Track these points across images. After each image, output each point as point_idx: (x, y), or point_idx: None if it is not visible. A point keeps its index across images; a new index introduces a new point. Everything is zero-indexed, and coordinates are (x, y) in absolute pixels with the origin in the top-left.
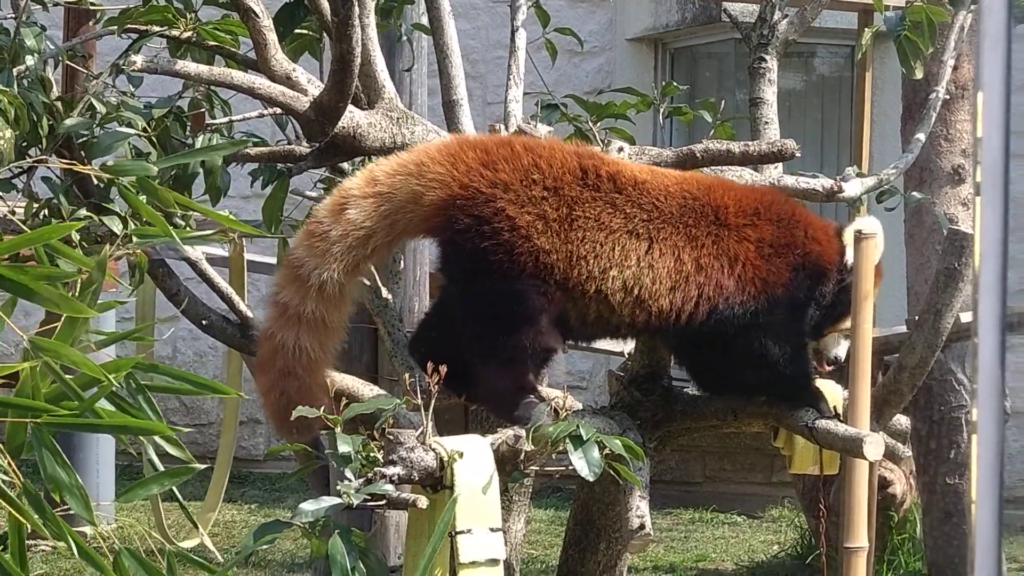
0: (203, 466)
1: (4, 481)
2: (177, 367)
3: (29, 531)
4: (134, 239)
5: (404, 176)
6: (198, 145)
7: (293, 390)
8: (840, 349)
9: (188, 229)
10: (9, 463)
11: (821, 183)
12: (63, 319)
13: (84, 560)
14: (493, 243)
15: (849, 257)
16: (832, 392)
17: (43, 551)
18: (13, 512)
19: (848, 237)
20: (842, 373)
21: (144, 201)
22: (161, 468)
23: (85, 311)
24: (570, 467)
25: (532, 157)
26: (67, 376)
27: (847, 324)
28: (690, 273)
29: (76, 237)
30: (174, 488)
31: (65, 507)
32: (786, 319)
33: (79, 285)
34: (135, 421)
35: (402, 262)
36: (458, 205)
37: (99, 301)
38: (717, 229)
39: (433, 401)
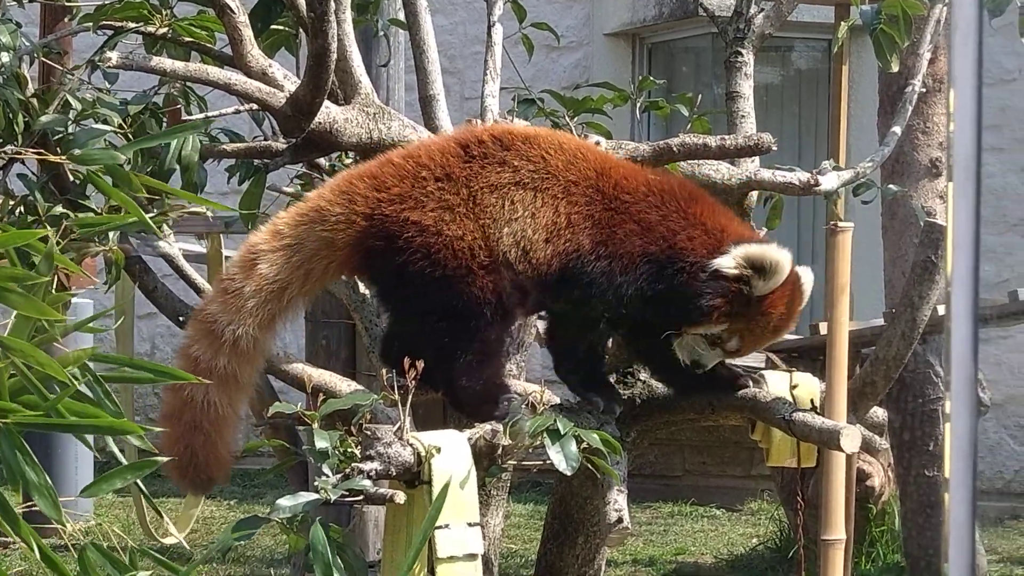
0: (167, 458)
1: None
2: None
3: None
4: (110, 234)
5: (308, 225)
6: (174, 144)
7: (199, 444)
8: (704, 357)
9: (166, 226)
10: None
11: (798, 176)
12: (14, 316)
13: (44, 563)
14: (411, 253)
15: (722, 264)
16: (809, 385)
17: (21, 548)
18: None
19: (740, 252)
20: (820, 365)
21: (117, 189)
22: (124, 462)
23: (50, 313)
24: (548, 461)
25: (413, 160)
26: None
27: (703, 330)
28: (562, 227)
29: (53, 236)
30: (140, 485)
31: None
32: (618, 299)
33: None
34: (104, 421)
35: None
36: (370, 235)
37: (75, 299)
38: (593, 192)
39: (410, 396)
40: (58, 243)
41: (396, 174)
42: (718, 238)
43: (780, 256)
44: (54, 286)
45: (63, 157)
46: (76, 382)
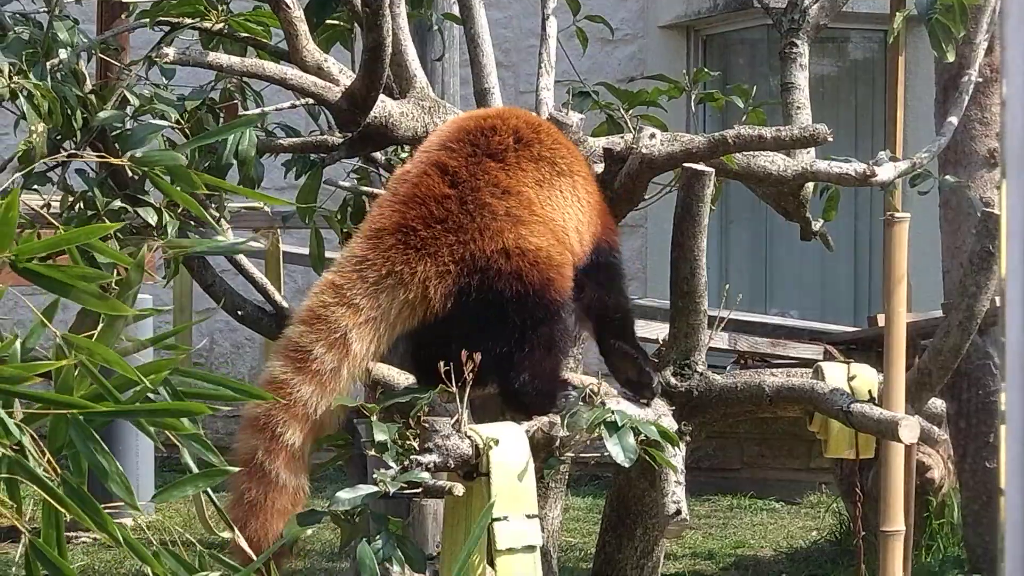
0: (237, 469)
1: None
2: (214, 359)
3: (68, 521)
4: (170, 230)
5: (388, 293)
6: (231, 139)
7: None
8: None
9: (224, 221)
10: (47, 456)
11: (854, 168)
12: (102, 320)
13: (128, 549)
14: (505, 280)
15: None
16: (867, 376)
17: (84, 543)
18: (50, 501)
19: None
20: (877, 357)
21: (176, 188)
22: (196, 470)
23: (123, 309)
24: (605, 454)
25: (465, 186)
26: (103, 378)
27: None
28: (595, 208)
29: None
30: (213, 497)
31: (110, 503)
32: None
33: (115, 283)
34: (174, 404)
35: None
36: (463, 277)
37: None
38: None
39: (468, 390)
40: (117, 239)
41: (458, 209)
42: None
43: None
44: (114, 282)
45: (125, 159)
46: (151, 387)
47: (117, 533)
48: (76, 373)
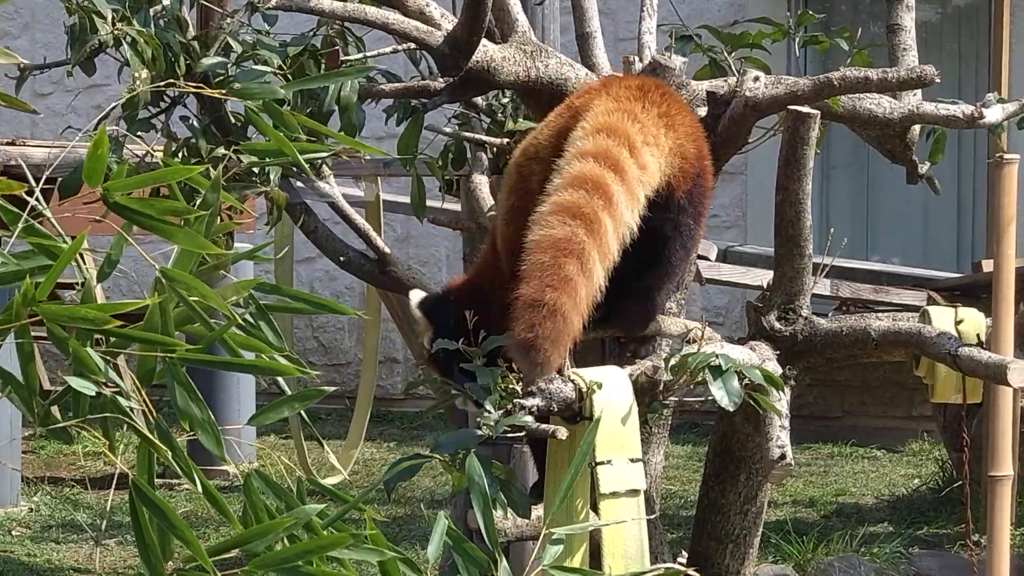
0: (332, 388)
1: (133, 410)
2: None
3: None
4: (271, 175)
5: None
6: (333, 85)
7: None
8: None
9: (326, 167)
10: (142, 396)
11: (961, 109)
12: (178, 251)
13: (207, 500)
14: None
15: None
16: (974, 319)
17: (187, 490)
18: (150, 441)
19: None
20: (981, 305)
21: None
22: (288, 392)
23: (210, 247)
24: (709, 398)
25: (672, 101)
26: (200, 311)
27: None
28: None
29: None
30: (309, 423)
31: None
32: None
33: (197, 206)
34: (267, 363)
35: None
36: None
37: (235, 243)
38: None
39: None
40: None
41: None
42: None
43: None
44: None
45: (223, 92)
46: (240, 312)
47: (204, 485)
48: (175, 306)
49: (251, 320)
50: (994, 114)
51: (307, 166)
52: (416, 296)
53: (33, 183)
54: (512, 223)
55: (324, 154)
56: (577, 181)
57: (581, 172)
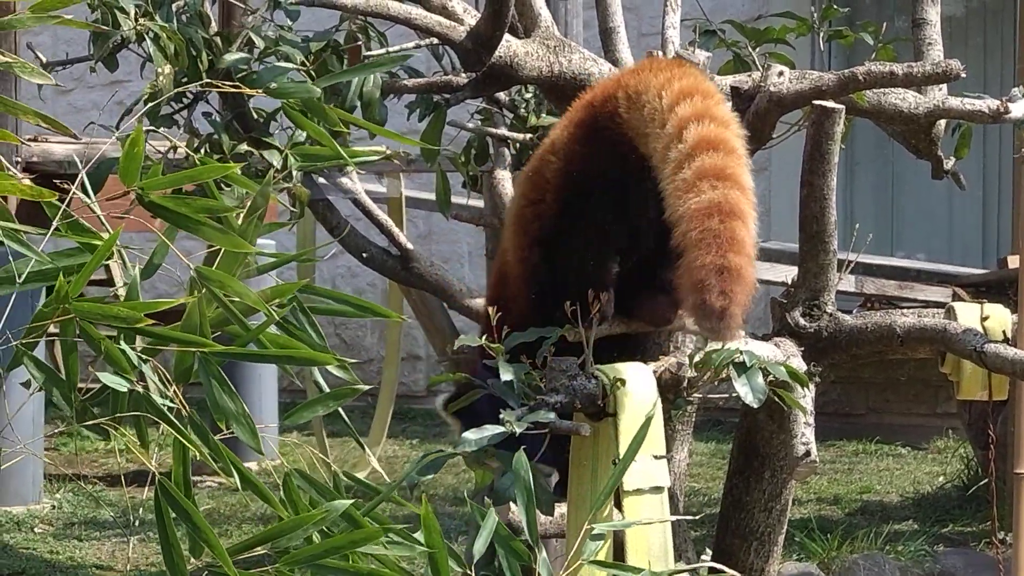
0: (367, 387)
1: (169, 408)
2: None
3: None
4: (294, 172)
5: None
6: (355, 80)
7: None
8: None
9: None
10: (175, 391)
11: (987, 104)
12: (222, 254)
13: (248, 490)
14: None
15: None
16: (1001, 316)
17: (209, 487)
18: (180, 438)
19: None
20: (1007, 300)
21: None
22: (327, 389)
23: (244, 246)
24: (733, 395)
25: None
26: (234, 309)
27: None
28: None
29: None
30: (344, 416)
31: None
32: None
33: (242, 215)
34: (301, 351)
35: None
36: None
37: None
38: None
39: (594, 330)
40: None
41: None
42: None
43: None
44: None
45: (257, 89)
46: (279, 312)
47: (242, 473)
48: (204, 302)
49: (293, 321)
50: (1020, 109)
51: (348, 158)
52: (439, 400)
53: (62, 181)
54: (528, 207)
55: (375, 158)
56: (704, 143)
57: (703, 134)
